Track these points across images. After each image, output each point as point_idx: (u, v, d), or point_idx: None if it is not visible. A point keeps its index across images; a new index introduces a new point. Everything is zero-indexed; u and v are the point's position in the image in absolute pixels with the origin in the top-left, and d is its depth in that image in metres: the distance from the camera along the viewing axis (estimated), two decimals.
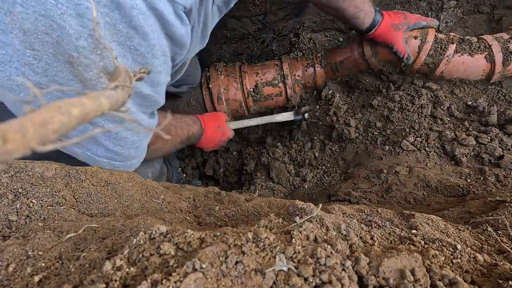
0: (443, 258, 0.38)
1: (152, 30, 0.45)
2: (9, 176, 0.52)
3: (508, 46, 0.97)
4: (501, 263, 0.39)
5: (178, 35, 0.49)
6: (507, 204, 0.57)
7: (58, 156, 0.68)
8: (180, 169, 1.41)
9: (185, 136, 0.95)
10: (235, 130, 1.17)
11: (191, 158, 1.51)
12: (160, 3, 0.43)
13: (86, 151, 0.60)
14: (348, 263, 0.32)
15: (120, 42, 0.44)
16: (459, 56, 0.99)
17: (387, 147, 1.01)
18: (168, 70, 0.55)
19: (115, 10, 0.41)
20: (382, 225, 0.47)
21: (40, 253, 0.39)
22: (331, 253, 0.32)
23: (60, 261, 0.38)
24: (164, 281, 0.27)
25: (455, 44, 0.99)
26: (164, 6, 0.44)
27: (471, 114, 1.00)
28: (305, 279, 0.29)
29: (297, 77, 1.22)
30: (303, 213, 0.42)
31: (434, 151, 0.93)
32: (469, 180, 0.81)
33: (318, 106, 1.24)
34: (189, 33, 0.52)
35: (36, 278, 0.35)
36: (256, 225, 0.39)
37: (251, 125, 1.19)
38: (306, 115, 1.19)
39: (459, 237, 0.47)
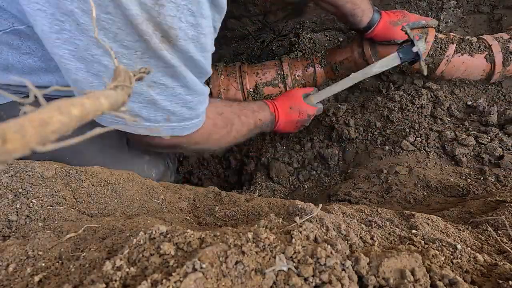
0: (443, 258, 0.38)
1: None
2: (9, 176, 0.52)
3: (508, 46, 0.97)
4: (501, 263, 0.39)
5: None
6: (507, 204, 0.57)
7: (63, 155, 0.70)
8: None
9: (252, 125, 0.91)
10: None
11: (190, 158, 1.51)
12: None
13: (146, 122, 0.64)
14: (348, 263, 0.32)
15: (176, 2, 0.49)
16: (459, 56, 0.99)
17: (387, 147, 1.01)
18: (212, 36, 0.59)
19: None
20: (382, 225, 0.47)
21: (40, 253, 0.39)
22: (331, 253, 0.32)
23: (60, 261, 0.38)
24: (164, 281, 0.27)
25: (455, 44, 0.99)
26: None
27: (471, 114, 1.00)
28: (305, 279, 0.29)
29: (297, 77, 1.22)
30: (303, 213, 0.42)
31: (434, 151, 0.93)
32: (469, 180, 0.81)
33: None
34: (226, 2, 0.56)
35: (36, 278, 0.35)
36: (256, 225, 0.39)
37: (337, 91, 0.95)
38: (422, 46, 0.84)
39: (459, 237, 0.47)
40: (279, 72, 1.20)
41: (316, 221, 0.40)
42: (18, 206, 0.48)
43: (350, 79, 0.91)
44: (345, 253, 0.34)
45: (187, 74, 0.59)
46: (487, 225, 0.51)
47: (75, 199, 0.55)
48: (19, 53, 0.63)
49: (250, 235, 0.33)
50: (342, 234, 0.39)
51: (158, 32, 0.51)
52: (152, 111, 0.62)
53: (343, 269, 0.31)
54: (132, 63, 0.53)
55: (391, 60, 0.86)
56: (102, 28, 0.48)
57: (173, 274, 0.28)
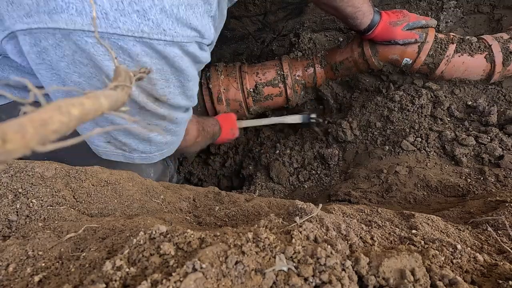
0: (443, 258, 0.38)
1: (187, 66, 0.62)
2: (9, 176, 0.52)
3: (508, 46, 0.97)
4: (501, 263, 0.39)
5: (203, 60, 0.66)
6: (507, 204, 0.57)
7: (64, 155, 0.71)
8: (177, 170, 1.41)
9: (211, 134, 1.10)
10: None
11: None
12: (191, 47, 0.59)
13: (142, 153, 0.76)
14: (348, 263, 0.32)
15: (166, 78, 0.61)
16: (459, 56, 0.99)
17: (387, 147, 1.01)
18: (196, 81, 0.71)
19: (162, 59, 0.57)
20: (382, 225, 0.47)
21: (40, 253, 0.39)
22: (331, 253, 0.32)
23: (60, 261, 0.38)
24: (164, 281, 0.27)
25: (455, 44, 0.99)
26: (194, 48, 0.60)
27: (471, 114, 1.00)
28: (305, 279, 0.29)
29: (297, 77, 1.22)
30: (303, 213, 0.42)
31: (434, 151, 0.93)
32: (469, 180, 0.81)
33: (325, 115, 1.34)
34: (209, 55, 0.69)
35: (36, 278, 0.35)
36: (256, 225, 0.39)
37: (262, 124, 1.29)
38: (312, 119, 1.27)
39: (459, 237, 0.47)
40: (279, 72, 1.20)
41: (316, 221, 0.40)
42: (18, 206, 0.48)
43: (270, 120, 1.28)
44: (345, 253, 0.34)
45: (177, 115, 0.71)
46: (487, 225, 0.51)
47: (75, 199, 0.55)
48: (20, 73, 0.66)
49: (250, 235, 0.33)
50: (342, 234, 0.39)
51: (151, 98, 0.63)
52: (147, 145, 0.74)
53: (343, 269, 0.31)
54: (132, 115, 0.64)
55: (297, 119, 1.27)
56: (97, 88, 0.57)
57: (173, 274, 0.28)
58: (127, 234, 0.41)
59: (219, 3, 0.66)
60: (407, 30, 0.99)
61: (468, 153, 0.89)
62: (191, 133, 0.93)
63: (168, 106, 0.66)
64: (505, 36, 1.00)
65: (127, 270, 0.30)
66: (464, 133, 0.94)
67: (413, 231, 0.46)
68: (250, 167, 1.32)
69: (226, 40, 1.45)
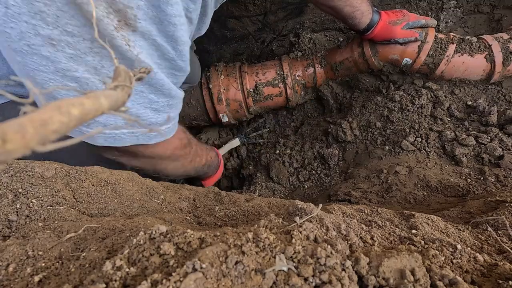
0: (443, 258, 0.38)
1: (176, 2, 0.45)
2: (9, 176, 0.52)
3: (508, 46, 0.97)
4: (501, 263, 0.39)
5: (190, 9, 0.50)
6: (507, 204, 0.57)
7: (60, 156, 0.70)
8: None
9: (204, 160, 0.92)
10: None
11: None
12: None
13: (105, 129, 0.57)
14: (348, 263, 0.32)
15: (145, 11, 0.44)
16: (459, 56, 0.99)
17: (387, 147, 1.01)
18: (185, 27, 0.52)
19: None
20: (382, 225, 0.47)
21: (40, 253, 0.39)
22: (331, 253, 0.32)
23: (60, 261, 0.38)
24: (164, 281, 0.27)
25: (455, 44, 0.99)
26: None
27: (471, 114, 1.00)
28: (305, 279, 0.29)
29: (297, 77, 1.22)
30: (303, 213, 0.42)
31: (434, 151, 0.93)
32: (469, 180, 0.81)
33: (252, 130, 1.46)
34: (198, 11, 0.53)
35: (36, 278, 0.35)
36: (256, 225, 0.39)
37: (225, 151, 1.39)
38: (251, 136, 1.42)
39: (459, 237, 0.47)
40: (279, 72, 1.20)
41: (316, 221, 0.40)
42: (18, 206, 0.48)
43: (230, 145, 1.38)
44: (345, 253, 0.34)
45: (166, 82, 0.54)
46: (487, 225, 0.51)
47: (75, 199, 0.55)
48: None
49: (250, 235, 0.33)
50: (342, 234, 0.39)
51: (113, 15, 0.42)
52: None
53: (343, 269, 0.31)
54: (80, 54, 0.43)
55: (238, 141, 1.39)
56: (38, 11, 0.40)
57: (173, 274, 0.28)
58: (127, 234, 0.41)
59: None
60: (407, 29, 0.99)
61: (468, 153, 0.89)
62: (174, 136, 0.71)
63: (138, 37, 0.47)
64: (505, 36, 1.00)
65: (127, 270, 0.30)
66: (464, 133, 0.94)
67: (413, 231, 0.46)
68: (250, 167, 1.32)
69: (226, 40, 1.44)
